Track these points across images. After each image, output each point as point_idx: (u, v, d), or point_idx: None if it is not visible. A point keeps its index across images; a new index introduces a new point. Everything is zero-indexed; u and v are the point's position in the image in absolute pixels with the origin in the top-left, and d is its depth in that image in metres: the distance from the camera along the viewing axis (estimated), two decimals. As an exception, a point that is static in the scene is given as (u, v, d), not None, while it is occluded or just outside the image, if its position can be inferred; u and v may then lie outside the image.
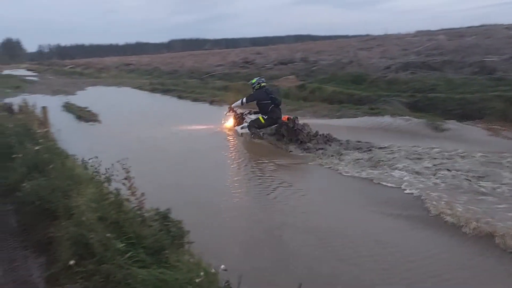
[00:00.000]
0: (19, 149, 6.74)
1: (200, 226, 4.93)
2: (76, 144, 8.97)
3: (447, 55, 17.53)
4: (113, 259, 3.16)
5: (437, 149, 7.98)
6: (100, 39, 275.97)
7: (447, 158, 7.41)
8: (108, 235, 3.43)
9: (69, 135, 10.22)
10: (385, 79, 15.27)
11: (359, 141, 8.84)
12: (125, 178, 4.06)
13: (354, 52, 24.34)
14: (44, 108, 8.95)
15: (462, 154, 7.54)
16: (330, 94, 14.87)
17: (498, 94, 10.99)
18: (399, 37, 31.17)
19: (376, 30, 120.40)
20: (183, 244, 3.77)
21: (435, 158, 7.44)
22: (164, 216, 3.96)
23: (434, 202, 5.49)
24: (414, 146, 8.29)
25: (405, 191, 6.08)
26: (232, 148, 9.70)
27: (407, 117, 10.71)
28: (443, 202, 5.45)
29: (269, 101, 9.77)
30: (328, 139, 8.94)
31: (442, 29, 39.05)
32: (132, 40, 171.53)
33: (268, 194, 6.43)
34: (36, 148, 6.41)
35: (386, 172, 6.89)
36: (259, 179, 7.24)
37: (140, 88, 25.02)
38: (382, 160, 7.40)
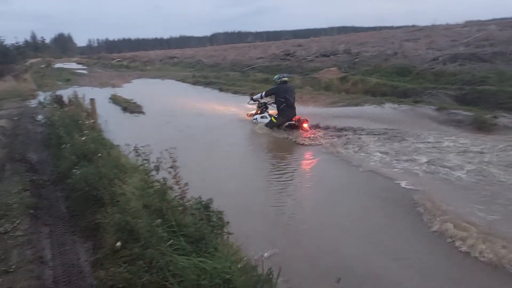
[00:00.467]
0: (68, 139, 7.06)
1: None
2: (121, 134, 9.26)
3: (498, 46, 16.63)
4: (156, 245, 3.25)
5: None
6: (146, 33, 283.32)
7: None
8: (157, 220, 3.53)
9: (115, 126, 10.58)
10: (432, 71, 14.74)
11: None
12: (171, 167, 4.13)
13: (399, 43, 23.60)
14: (92, 100, 9.27)
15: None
16: (373, 86, 14.54)
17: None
18: (447, 28, 29.89)
19: (424, 20, 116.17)
20: (223, 234, 3.82)
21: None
22: (205, 206, 4.02)
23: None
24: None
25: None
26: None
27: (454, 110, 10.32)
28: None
29: (283, 100, 10.12)
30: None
31: (493, 19, 37.26)
32: (176, 33, 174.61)
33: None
34: (84, 138, 6.67)
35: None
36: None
37: (183, 80, 25.43)
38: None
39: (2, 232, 4.54)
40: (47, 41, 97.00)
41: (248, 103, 11.69)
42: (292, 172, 7.32)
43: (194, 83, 23.56)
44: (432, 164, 6.83)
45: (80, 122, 8.34)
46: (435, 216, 4.94)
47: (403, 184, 6.11)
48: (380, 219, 5.13)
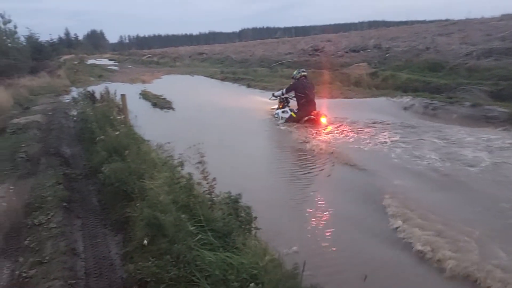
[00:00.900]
0: (100, 134, 7.21)
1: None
2: (151, 129, 9.38)
3: (536, 40, 16.06)
4: (184, 240, 3.29)
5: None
6: (176, 29, 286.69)
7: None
8: (183, 216, 3.57)
9: (145, 121, 10.74)
10: (466, 66, 14.31)
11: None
12: (199, 162, 4.17)
13: (432, 38, 23.03)
14: (123, 96, 9.42)
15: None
16: (404, 82, 14.24)
17: None
18: (482, 22, 28.96)
19: (458, 14, 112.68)
20: (251, 229, 3.83)
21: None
22: (234, 201, 4.04)
23: None
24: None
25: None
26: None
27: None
28: None
29: (303, 95, 10.41)
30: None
31: (532, 12, 35.73)
32: (205, 29, 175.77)
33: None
34: (116, 133, 6.80)
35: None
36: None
37: (211, 76, 25.55)
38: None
39: (37, 224, 4.68)
40: (80, 37, 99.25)
41: (269, 99, 11.85)
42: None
43: (223, 79, 23.62)
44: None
45: (111, 117, 8.51)
46: None
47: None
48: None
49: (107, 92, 11.50)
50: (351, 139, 8.69)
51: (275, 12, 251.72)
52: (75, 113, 12.65)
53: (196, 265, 3.07)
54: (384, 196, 5.52)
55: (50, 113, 13.27)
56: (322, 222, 5.10)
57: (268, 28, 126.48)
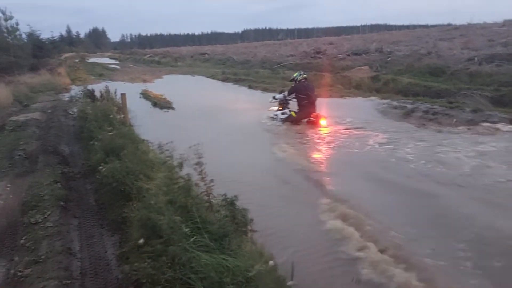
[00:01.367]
0: (98, 133, 7.18)
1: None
2: (150, 129, 9.38)
3: (538, 46, 16.06)
4: (178, 241, 3.26)
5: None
6: (178, 28, 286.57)
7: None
8: (176, 217, 3.54)
9: (145, 121, 10.73)
10: (467, 71, 14.32)
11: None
12: (196, 164, 4.15)
13: (433, 42, 23.11)
14: (122, 95, 9.40)
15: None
16: (405, 86, 14.26)
17: None
18: (484, 27, 28.97)
19: (460, 19, 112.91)
20: (247, 232, 3.81)
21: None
22: (230, 203, 4.01)
23: None
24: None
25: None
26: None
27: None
28: None
29: (305, 96, 10.48)
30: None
31: (535, 18, 35.72)
32: (207, 29, 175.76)
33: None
34: (114, 132, 6.78)
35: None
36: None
37: (213, 77, 25.56)
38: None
39: (33, 222, 4.65)
40: (82, 35, 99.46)
41: (270, 102, 11.81)
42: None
43: (224, 80, 23.64)
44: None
45: (111, 116, 8.49)
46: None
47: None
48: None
49: (107, 91, 11.49)
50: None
51: (277, 13, 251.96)
52: (74, 112, 12.63)
53: (191, 267, 3.04)
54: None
55: (49, 111, 13.24)
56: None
57: (270, 29, 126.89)
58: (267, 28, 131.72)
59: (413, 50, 21.04)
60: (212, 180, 4.13)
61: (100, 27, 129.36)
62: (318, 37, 57.53)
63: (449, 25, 40.54)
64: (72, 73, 27.99)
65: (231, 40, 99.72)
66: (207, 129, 10.67)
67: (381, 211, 5.21)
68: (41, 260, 3.86)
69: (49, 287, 3.47)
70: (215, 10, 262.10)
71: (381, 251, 4.20)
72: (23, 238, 4.35)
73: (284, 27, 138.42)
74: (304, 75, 10.93)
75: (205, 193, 4.14)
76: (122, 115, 8.66)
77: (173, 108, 14.51)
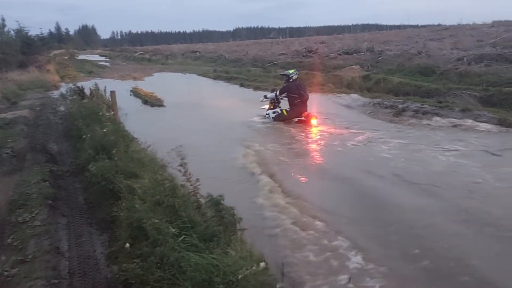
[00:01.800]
0: (87, 131, 7.11)
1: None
2: (140, 127, 9.31)
3: (526, 47, 16.18)
4: (165, 242, 3.24)
5: None
6: (169, 26, 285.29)
7: None
8: (156, 221, 3.50)
9: (135, 118, 10.65)
10: (456, 71, 14.40)
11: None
12: (180, 165, 4.13)
13: (424, 42, 23.24)
14: (112, 92, 9.31)
15: None
16: (396, 86, 14.31)
17: None
18: (474, 28, 29.22)
19: (450, 20, 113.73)
20: (236, 231, 3.79)
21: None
22: (216, 203, 4.00)
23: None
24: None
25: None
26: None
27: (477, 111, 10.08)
28: None
29: (297, 96, 10.52)
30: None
31: (522, 19, 36.10)
32: (199, 27, 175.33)
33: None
34: (103, 130, 6.72)
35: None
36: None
37: (204, 75, 25.48)
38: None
39: (21, 221, 4.59)
40: (71, 32, 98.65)
41: (261, 101, 11.70)
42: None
43: (215, 78, 23.61)
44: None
45: (100, 114, 8.40)
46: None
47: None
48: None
49: (97, 88, 11.38)
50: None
51: (269, 12, 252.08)
52: (63, 109, 12.51)
53: (180, 266, 3.01)
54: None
55: (38, 108, 13.12)
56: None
57: (262, 28, 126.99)
58: (259, 26, 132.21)
59: (403, 50, 21.13)
60: (198, 180, 4.13)
61: (90, 24, 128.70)
62: (310, 36, 57.60)
63: (439, 25, 40.97)
64: (61, 70, 27.72)
65: (223, 38, 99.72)
66: (197, 128, 10.67)
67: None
68: (28, 260, 3.82)
69: (36, 287, 3.43)
70: (206, 8, 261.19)
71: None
72: (10, 237, 4.29)
73: (276, 26, 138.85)
74: (296, 75, 10.85)
75: (192, 193, 4.12)
76: (112, 113, 8.57)
77: (164, 106, 14.44)
